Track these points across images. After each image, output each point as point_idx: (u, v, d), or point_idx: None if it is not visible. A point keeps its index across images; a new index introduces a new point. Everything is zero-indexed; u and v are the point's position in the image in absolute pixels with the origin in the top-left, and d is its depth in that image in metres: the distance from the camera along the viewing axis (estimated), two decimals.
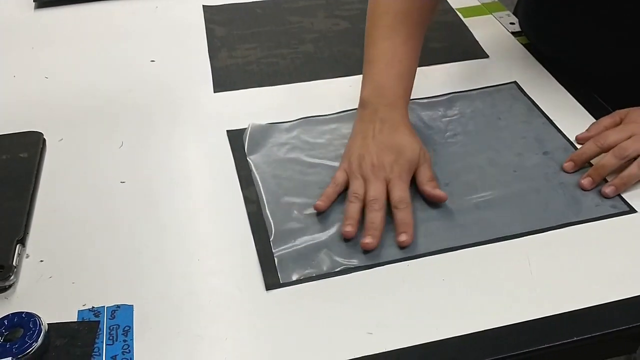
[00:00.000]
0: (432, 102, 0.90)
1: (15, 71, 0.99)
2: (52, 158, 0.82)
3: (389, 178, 0.73)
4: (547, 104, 0.89)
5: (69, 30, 1.09)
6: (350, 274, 0.67)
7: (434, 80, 0.95)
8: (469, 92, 0.92)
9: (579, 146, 0.81)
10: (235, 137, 0.84)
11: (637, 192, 0.75)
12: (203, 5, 1.14)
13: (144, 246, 0.71)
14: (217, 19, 1.11)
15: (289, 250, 0.69)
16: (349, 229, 0.70)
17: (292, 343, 0.61)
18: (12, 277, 0.66)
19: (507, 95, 0.91)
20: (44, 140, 0.84)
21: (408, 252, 0.69)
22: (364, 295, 0.65)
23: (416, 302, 0.64)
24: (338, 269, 0.67)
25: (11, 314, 0.61)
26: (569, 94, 0.91)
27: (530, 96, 0.91)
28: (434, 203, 0.74)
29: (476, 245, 0.70)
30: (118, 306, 0.64)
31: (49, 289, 0.66)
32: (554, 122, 0.86)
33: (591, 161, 0.78)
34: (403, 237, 0.69)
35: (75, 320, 0.63)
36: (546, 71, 0.95)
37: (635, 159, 0.75)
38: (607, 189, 0.75)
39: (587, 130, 0.83)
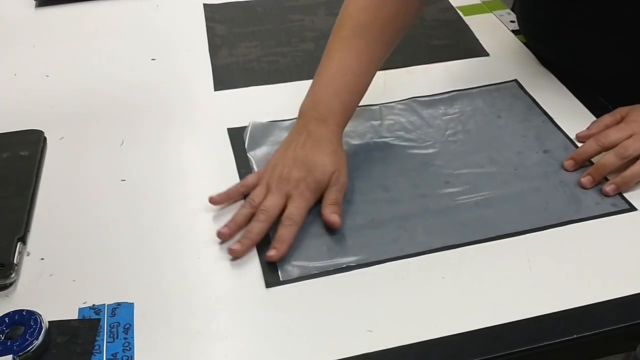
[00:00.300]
0: (432, 100, 0.90)
1: (16, 69, 0.99)
2: (53, 156, 0.82)
3: (291, 193, 0.71)
4: (547, 102, 0.89)
5: (70, 28, 1.09)
6: (350, 272, 0.67)
7: (435, 78, 0.95)
8: (469, 90, 0.92)
9: (579, 144, 0.81)
10: (236, 135, 0.84)
11: (638, 190, 0.75)
12: (204, 4, 1.14)
13: (144, 244, 0.71)
14: (218, 17, 1.11)
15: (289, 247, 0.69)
16: (225, 230, 0.70)
17: (292, 340, 0.61)
18: (13, 275, 0.66)
19: (508, 94, 0.91)
20: (45, 138, 0.84)
21: (408, 250, 0.69)
22: (364, 293, 0.65)
23: (416, 300, 0.64)
24: (338, 267, 0.68)
25: (12, 311, 0.61)
26: (569, 92, 0.91)
27: (531, 94, 0.91)
28: (434, 201, 0.75)
29: (476, 243, 0.70)
30: (119, 304, 0.64)
31: (49, 287, 0.66)
32: (555, 120, 0.86)
33: (592, 160, 0.78)
34: (272, 252, 0.67)
35: (76, 318, 0.63)
36: (546, 69, 0.95)
37: (637, 158, 0.75)
38: (608, 188, 0.75)
39: (587, 128, 0.82)
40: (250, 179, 0.75)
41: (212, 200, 0.73)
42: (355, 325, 0.62)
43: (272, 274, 0.67)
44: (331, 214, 0.71)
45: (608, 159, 0.76)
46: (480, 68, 0.98)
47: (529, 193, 0.76)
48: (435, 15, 1.10)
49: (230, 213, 0.73)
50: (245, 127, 0.85)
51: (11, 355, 0.57)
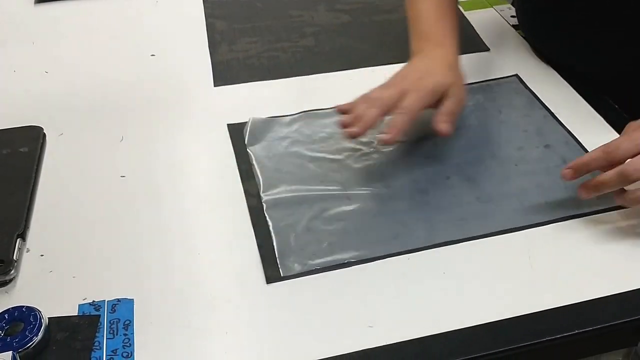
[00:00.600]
0: None
1: (16, 66, 0.99)
2: (52, 152, 0.82)
3: (407, 89, 0.74)
4: (548, 97, 0.89)
5: (69, 25, 1.09)
6: (351, 267, 0.67)
7: None
8: (470, 86, 0.92)
9: (580, 139, 0.81)
10: (236, 131, 0.84)
11: None
12: (203, 0, 1.14)
13: (144, 240, 0.71)
14: (218, 13, 1.11)
15: (290, 243, 0.69)
16: (355, 130, 0.73)
17: (292, 336, 0.61)
18: (12, 272, 0.66)
19: (508, 89, 0.91)
20: (44, 134, 0.84)
21: (409, 246, 0.69)
22: (364, 289, 0.65)
23: (417, 296, 0.64)
24: (339, 262, 0.67)
25: (12, 308, 0.61)
26: (570, 87, 0.91)
27: (532, 89, 0.91)
28: (434, 196, 0.74)
29: (477, 239, 0.70)
30: (119, 300, 0.64)
31: (49, 283, 0.66)
32: (556, 115, 0.86)
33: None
34: (384, 136, 0.72)
35: (76, 314, 0.63)
36: (547, 64, 0.95)
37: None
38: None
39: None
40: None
41: (339, 109, 0.77)
42: (355, 320, 0.62)
43: (273, 270, 0.67)
44: (441, 123, 0.74)
45: (610, 177, 0.67)
46: (480, 63, 0.97)
47: (530, 188, 0.75)
48: None
49: (225, 208, 0.73)
50: (245, 123, 0.85)
51: (11, 352, 0.57)
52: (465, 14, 1.09)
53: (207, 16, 1.10)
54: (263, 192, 0.75)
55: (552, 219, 0.71)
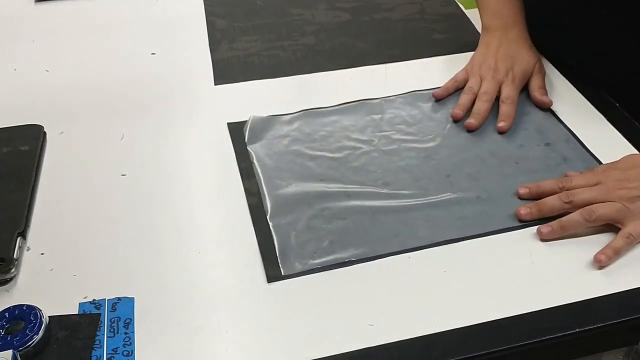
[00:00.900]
0: None
1: (16, 64, 0.99)
2: (53, 151, 0.82)
3: (502, 81, 0.86)
4: (548, 95, 0.88)
5: (70, 23, 1.09)
6: (352, 266, 0.67)
7: (436, 71, 0.94)
8: None
9: (580, 137, 0.81)
10: (236, 130, 0.84)
11: None
12: None
13: (144, 238, 0.71)
14: (218, 11, 1.11)
15: (291, 242, 0.69)
16: (458, 110, 0.84)
17: (293, 335, 0.61)
18: (13, 270, 0.66)
19: None
20: (45, 133, 0.84)
21: (409, 244, 0.69)
22: (365, 287, 0.65)
23: (417, 294, 0.64)
24: (340, 261, 0.67)
25: (12, 306, 0.61)
26: (570, 84, 0.91)
27: None
28: (435, 194, 0.74)
29: (477, 237, 0.69)
30: (119, 298, 0.64)
31: (50, 282, 0.66)
32: (556, 113, 0.86)
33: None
34: (502, 124, 0.82)
35: (77, 312, 0.63)
36: (547, 61, 0.95)
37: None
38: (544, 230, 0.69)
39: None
40: (460, 74, 0.90)
41: (437, 95, 0.88)
42: (356, 319, 0.62)
43: (274, 269, 0.67)
44: (542, 96, 0.86)
45: (574, 218, 0.68)
46: None
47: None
48: (437, 9, 1.09)
49: (225, 207, 0.73)
50: (246, 121, 0.85)
51: (11, 351, 0.57)
52: (466, 12, 1.08)
53: (208, 14, 1.10)
54: (266, 190, 0.75)
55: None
